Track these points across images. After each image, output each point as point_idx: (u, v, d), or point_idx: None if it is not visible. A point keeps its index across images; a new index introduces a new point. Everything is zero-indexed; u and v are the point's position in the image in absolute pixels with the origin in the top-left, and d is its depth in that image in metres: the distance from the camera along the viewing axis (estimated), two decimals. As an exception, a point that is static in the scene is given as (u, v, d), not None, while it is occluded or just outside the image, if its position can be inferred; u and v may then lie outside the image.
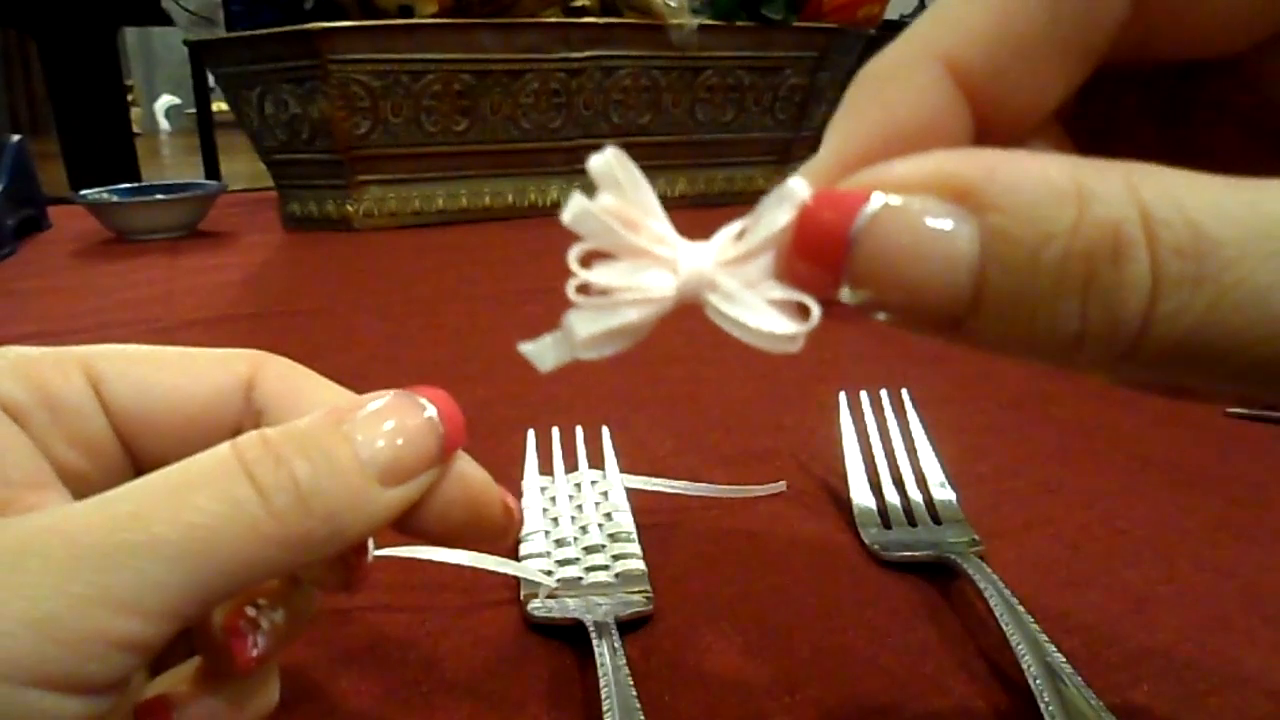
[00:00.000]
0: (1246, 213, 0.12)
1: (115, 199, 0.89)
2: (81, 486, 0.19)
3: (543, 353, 0.15)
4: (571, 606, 0.27)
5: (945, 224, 0.13)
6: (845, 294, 0.14)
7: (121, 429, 0.20)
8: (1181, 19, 0.15)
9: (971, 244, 0.13)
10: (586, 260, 0.15)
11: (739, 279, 0.15)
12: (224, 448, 0.17)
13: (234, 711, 0.19)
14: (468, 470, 0.19)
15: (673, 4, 0.89)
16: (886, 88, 0.15)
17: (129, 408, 0.20)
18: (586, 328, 0.15)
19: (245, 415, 0.21)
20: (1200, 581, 0.29)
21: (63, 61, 1.94)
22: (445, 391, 0.19)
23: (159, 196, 0.90)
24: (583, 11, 0.90)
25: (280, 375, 0.21)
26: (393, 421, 0.18)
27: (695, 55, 0.92)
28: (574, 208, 0.14)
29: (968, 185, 0.13)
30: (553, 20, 0.87)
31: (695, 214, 0.95)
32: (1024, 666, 0.23)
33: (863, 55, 1.05)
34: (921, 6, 3.84)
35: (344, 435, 0.17)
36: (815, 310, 0.14)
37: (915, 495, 0.33)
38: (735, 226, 0.15)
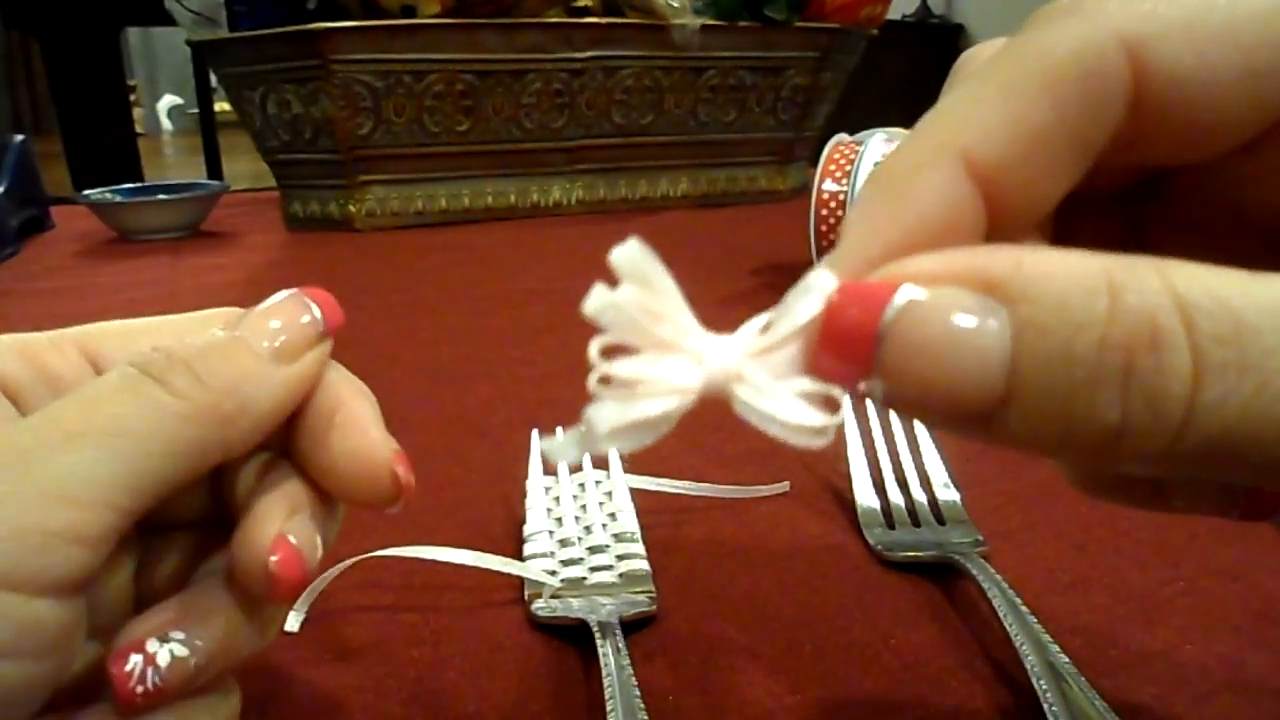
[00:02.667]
0: None
1: (118, 199, 0.89)
2: None
3: (563, 448, 0.15)
4: (575, 606, 0.27)
5: (974, 317, 0.13)
6: (874, 387, 0.14)
7: None
8: (1173, 124, 0.15)
9: (1002, 337, 0.13)
10: (607, 353, 0.14)
11: (766, 371, 0.15)
12: (122, 364, 0.18)
13: None
14: (354, 410, 0.21)
15: (675, 4, 0.89)
16: (907, 183, 0.15)
17: None
18: (609, 420, 0.14)
19: None
20: (1205, 583, 0.29)
21: (66, 62, 1.94)
22: (322, 290, 0.21)
23: (161, 196, 0.90)
24: (585, 12, 0.90)
25: None
26: (277, 314, 0.20)
27: (697, 55, 0.92)
28: (597, 300, 0.14)
29: (996, 277, 0.13)
30: (555, 20, 0.87)
31: (697, 215, 0.95)
32: (1028, 667, 0.23)
33: (865, 55, 1.06)
34: (924, 8, 3.83)
35: (234, 336, 0.19)
36: (845, 403, 0.14)
37: (919, 495, 0.33)
38: (761, 319, 0.15)
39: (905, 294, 0.13)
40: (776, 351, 0.15)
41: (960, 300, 0.13)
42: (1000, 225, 0.15)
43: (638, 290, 0.14)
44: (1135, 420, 0.12)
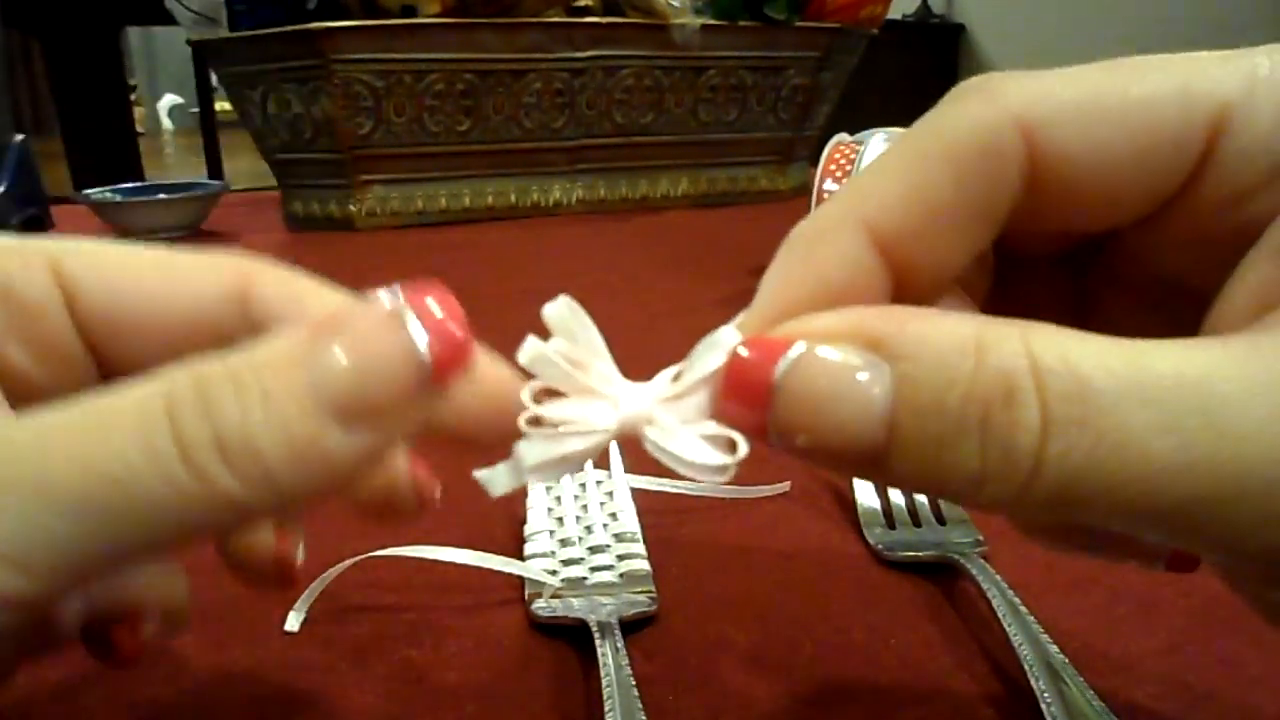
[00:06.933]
0: (1125, 367, 0.13)
1: (118, 198, 0.89)
2: (28, 393, 0.17)
3: (495, 478, 0.17)
4: (576, 606, 0.27)
5: (861, 371, 0.14)
6: (771, 433, 0.15)
7: (90, 335, 0.18)
8: (1068, 198, 0.16)
9: (884, 389, 0.14)
10: (539, 397, 0.17)
11: (675, 416, 0.16)
12: (155, 381, 0.14)
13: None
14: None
15: (675, 4, 0.89)
16: (814, 248, 0.16)
17: (100, 312, 0.18)
18: (535, 456, 0.16)
19: (240, 329, 0.18)
20: (1204, 584, 0.29)
21: (66, 61, 1.95)
22: (454, 298, 0.15)
23: (162, 196, 0.90)
24: (585, 11, 0.90)
25: (278, 282, 0.19)
26: (360, 346, 0.14)
27: (698, 55, 0.92)
28: (530, 351, 0.16)
29: (881, 336, 0.14)
30: (555, 20, 0.87)
31: (697, 215, 0.95)
32: (1026, 667, 0.23)
33: (865, 55, 1.06)
34: (924, 8, 3.82)
35: (294, 381, 0.14)
36: (743, 445, 0.16)
37: (919, 495, 0.33)
38: (673, 369, 0.17)
39: (798, 349, 0.15)
40: (686, 398, 0.16)
41: (847, 355, 0.14)
42: (907, 287, 0.17)
43: (565, 342, 0.17)
44: (992, 468, 0.14)
